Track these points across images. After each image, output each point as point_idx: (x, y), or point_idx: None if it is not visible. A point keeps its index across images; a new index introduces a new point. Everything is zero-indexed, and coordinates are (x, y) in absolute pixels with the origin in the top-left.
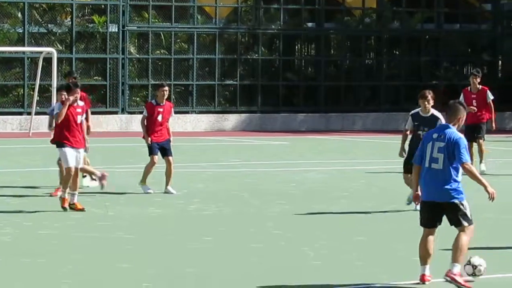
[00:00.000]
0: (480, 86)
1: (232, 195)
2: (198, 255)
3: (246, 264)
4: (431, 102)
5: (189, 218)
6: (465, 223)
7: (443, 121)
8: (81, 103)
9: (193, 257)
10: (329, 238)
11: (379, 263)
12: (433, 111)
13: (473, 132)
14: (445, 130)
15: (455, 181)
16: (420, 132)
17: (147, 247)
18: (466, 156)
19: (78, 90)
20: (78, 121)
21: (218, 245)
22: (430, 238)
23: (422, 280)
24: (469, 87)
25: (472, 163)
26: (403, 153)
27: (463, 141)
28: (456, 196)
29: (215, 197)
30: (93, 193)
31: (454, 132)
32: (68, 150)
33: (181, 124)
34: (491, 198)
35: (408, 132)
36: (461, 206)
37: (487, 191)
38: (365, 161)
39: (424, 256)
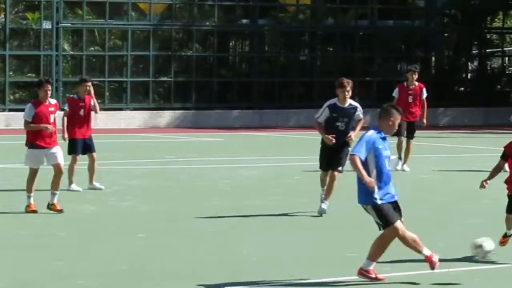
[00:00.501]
0: (417, 83)
1: (166, 191)
2: (131, 252)
3: (179, 261)
4: (350, 92)
5: (122, 215)
6: (381, 229)
7: (360, 111)
8: (53, 101)
9: (127, 254)
10: (263, 234)
11: (314, 259)
12: (351, 102)
13: (404, 129)
14: (364, 134)
15: (361, 183)
16: (338, 124)
17: (81, 244)
18: (355, 148)
19: (49, 86)
20: (51, 120)
21: (151, 242)
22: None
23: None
24: (405, 82)
25: (399, 160)
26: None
27: (365, 137)
28: (362, 199)
29: (149, 194)
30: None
31: (367, 132)
32: (34, 152)
33: (115, 121)
34: (370, 187)
35: (323, 125)
36: (369, 210)
37: (365, 181)
38: (300, 158)
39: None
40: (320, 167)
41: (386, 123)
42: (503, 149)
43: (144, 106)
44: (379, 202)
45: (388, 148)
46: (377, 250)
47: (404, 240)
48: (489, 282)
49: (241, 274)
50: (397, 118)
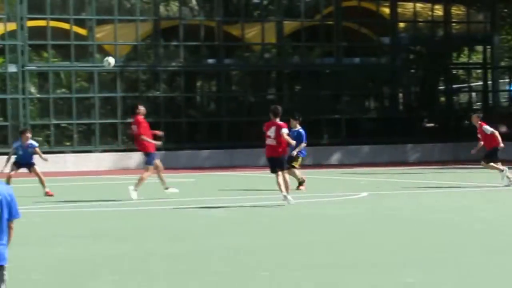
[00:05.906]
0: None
1: (135, 233)
2: None
3: None
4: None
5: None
6: None
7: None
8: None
9: None
10: (233, 272)
11: None
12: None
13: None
14: None
15: None
16: None
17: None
18: None
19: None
20: None
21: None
22: None
23: None
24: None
25: None
26: None
27: None
28: None
29: (115, 235)
30: None
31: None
32: None
33: (84, 163)
34: None
35: None
36: None
37: None
38: (270, 196)
39: None
40: None
41: None
42: None
43: (113, 148)
44: None
45: None
46: None
47: None
48: None
49: None
50: None
